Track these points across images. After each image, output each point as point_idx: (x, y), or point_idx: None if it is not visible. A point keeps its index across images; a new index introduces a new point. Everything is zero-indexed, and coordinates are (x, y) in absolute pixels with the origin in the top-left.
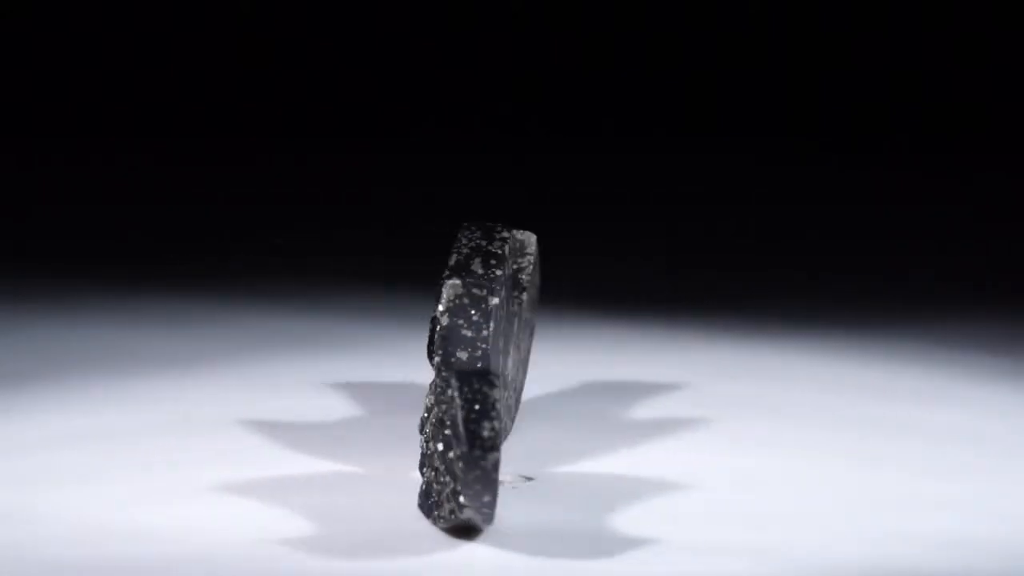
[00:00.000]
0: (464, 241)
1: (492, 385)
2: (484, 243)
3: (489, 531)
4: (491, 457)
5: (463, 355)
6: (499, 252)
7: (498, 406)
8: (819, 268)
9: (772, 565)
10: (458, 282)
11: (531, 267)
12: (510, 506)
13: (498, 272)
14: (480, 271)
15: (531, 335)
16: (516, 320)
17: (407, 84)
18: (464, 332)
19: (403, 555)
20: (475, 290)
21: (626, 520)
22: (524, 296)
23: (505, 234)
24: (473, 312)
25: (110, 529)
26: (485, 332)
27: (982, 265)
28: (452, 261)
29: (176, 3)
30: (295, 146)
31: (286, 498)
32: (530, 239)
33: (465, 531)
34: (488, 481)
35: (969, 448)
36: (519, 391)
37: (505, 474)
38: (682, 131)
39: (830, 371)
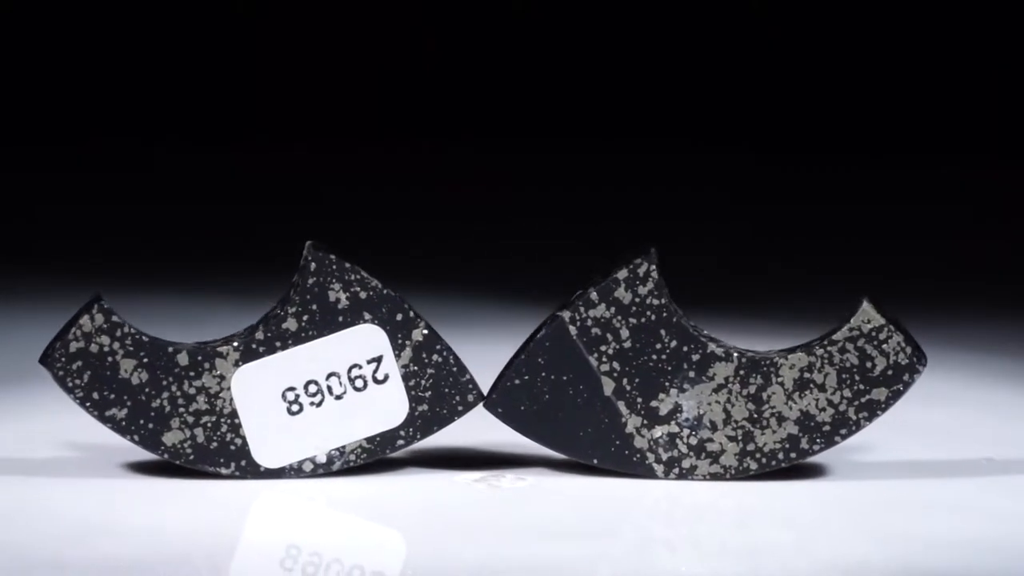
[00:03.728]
0: (629, 262)
1: (83, 312)
2: (616, 268)
3: (488, 530)
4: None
5: (279, 309)
6: (607, 277)
7: (77, 332)
8: (818, 268)
9: (772, 565)
10: (311, 243)
11: (846, 336)
12: (509, 506)
13: (588, 288)
14: (583, 289)
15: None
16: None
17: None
18: (292, 294)
19: (377, 570)
20: (320, 254)
21: (624, 520)
22: (778, 359)
23: (643, 266)
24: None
25: (107, 528)
26: (295, 296)
27: (983, 265)
28: (597, 275)
29: (185, 6)
30: (290, 147)
31: (288, 497)
32: (866, 312)
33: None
34: None
35: (969, 448)
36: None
37: (502, 477)
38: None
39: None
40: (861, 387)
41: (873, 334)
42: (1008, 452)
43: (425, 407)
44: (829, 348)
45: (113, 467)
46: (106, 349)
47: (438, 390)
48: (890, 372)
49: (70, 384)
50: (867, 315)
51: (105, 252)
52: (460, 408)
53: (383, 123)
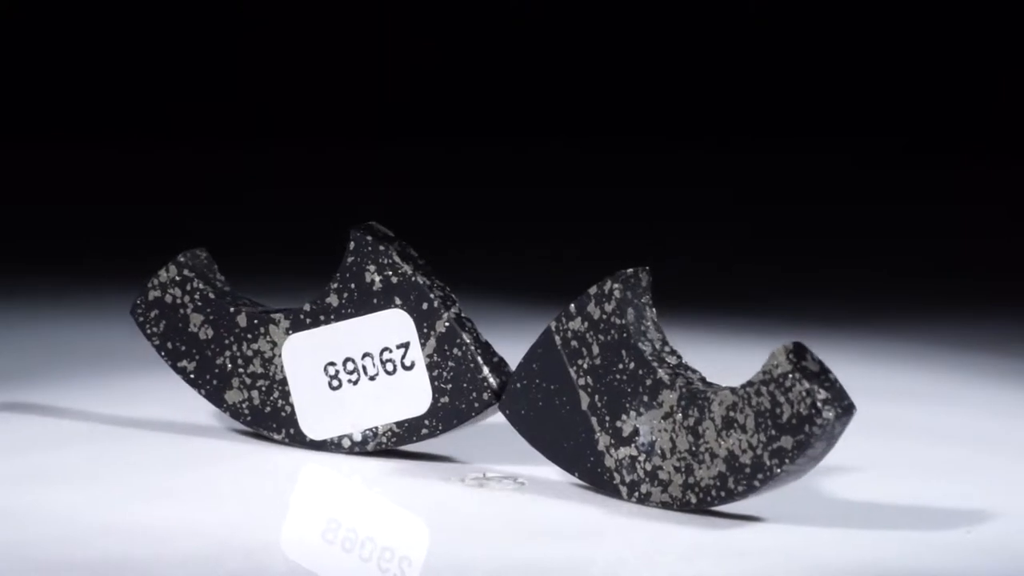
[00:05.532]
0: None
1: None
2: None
3: (481, 531)
4: None
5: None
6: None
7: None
8: (819, 268)
9: (772, 565)
10: (372, 223)
11: (760, 379)
12: (503, 507)
13: (590, 298)
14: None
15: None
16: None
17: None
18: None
19: (404, 555)
20: (359, 234)
21: (621, 520)
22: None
23: (607, 284)
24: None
25: (107, 528)
26: (338, 272)
27: (983, 265)
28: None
29: (179, 6)
30: (284, 145)
31: (287, 497)
32: (775, 356)
33: None
34: None
35: (968, 448)
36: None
37: (494, 477)
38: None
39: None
40: (773, 432)
41: (781, 380)
42: (1008, 452)
43: (446, 399)
44: (748, 389)
45: (116, 465)
46: (178, 302)
47: (457, 384)
48: (794, 421)
49: (148, 332)
50: (776, 359)
51: (105, 253)
52: (476, 405)
53: (383, 123)
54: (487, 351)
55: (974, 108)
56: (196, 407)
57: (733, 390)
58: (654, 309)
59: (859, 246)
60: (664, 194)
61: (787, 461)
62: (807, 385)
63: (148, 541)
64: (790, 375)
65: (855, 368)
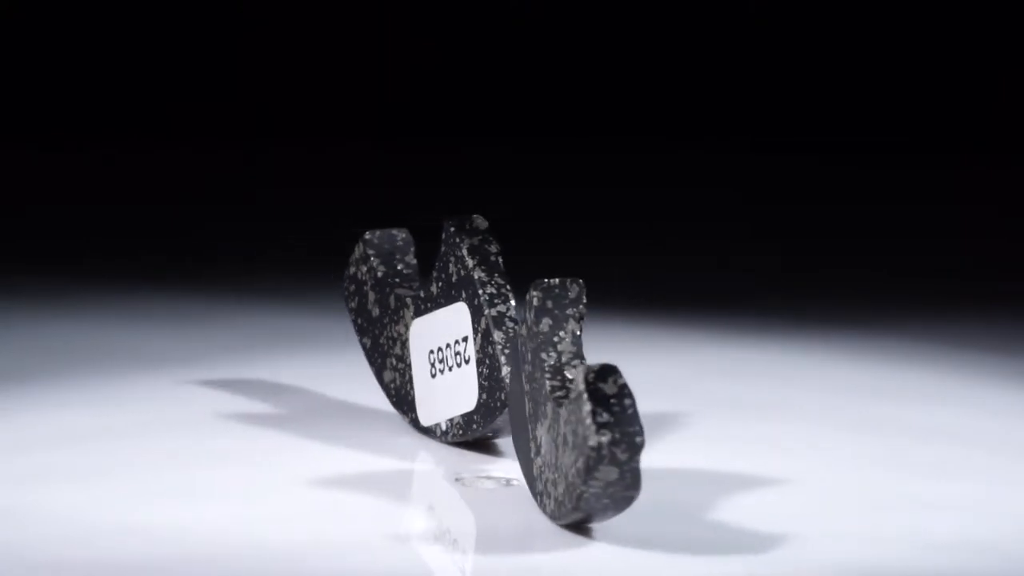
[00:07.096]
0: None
1: None
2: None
3: (477, 532)
4: None
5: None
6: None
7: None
8: (819, 268)
9: (771, 565)
10: (476, 215)
11: (572, 398)
12: (499, 507)
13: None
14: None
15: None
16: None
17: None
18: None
19: (399, 557)
20: (447, 223)
21: (621, 520)
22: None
23: (529, 292)
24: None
25: (108, 528)
26: (437, 261)
27: (982, 265)
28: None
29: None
30: (286, 144)
31: (284, 497)
32: (576, 377)
33: None
34: None
35: (968, 448)
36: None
37: (487, 476)
38: (677, 131)
39: (829, 371)
40: (576, 453)
41: (577, 399)
42: (1008, 452)
43: (485, 396)
44: (568, 407)
45: (117, 466)
46: (362, 278)
47: (490, 382)
48: (581, 442)
49: (349, 306)
50: (576, 378)
51: (105, 253)
52: (499, 404)
53: (383, 123)
54: None
55: (974, 108)
56: (196, 407)
57: (565, 406)
58: (581, 322)
59: (859, 246)
60: (664, 194)
61: (583, 483)
62: (588, 407)
63: (150, 541)
64: (581, 395)
65: (855, 368)
